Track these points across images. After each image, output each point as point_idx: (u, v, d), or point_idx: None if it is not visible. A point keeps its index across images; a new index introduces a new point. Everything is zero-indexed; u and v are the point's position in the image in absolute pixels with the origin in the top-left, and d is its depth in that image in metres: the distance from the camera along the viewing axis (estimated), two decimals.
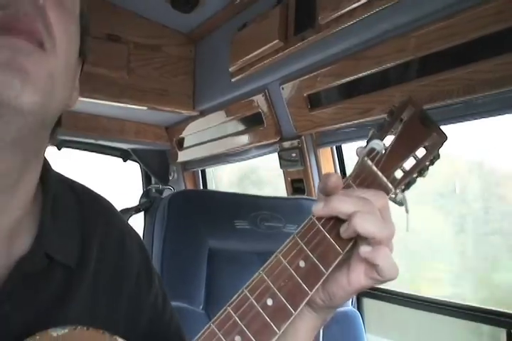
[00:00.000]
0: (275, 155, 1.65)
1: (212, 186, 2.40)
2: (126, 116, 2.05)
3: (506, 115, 1.01)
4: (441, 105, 1.04)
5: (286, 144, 1.57)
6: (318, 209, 0.48)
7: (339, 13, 1.10)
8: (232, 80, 1.57)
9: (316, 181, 1.54)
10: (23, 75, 0.38)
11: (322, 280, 0.48)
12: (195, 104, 1.86)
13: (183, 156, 2.23)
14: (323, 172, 1.55)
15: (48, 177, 0.50)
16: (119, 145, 2.27)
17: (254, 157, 1.84)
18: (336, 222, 0.49)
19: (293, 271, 0.46)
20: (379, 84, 1.19)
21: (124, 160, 2.37)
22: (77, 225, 0.52)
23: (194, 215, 1.32)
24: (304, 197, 1.55)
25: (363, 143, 0.55)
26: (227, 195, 1.47)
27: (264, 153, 1.76)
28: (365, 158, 0.52)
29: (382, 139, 0.53)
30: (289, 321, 0.45)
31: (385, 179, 0.53)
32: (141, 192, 2.26)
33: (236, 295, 0.45)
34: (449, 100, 1.01)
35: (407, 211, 0.55)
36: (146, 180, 2.45)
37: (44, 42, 0.39)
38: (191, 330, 0.44)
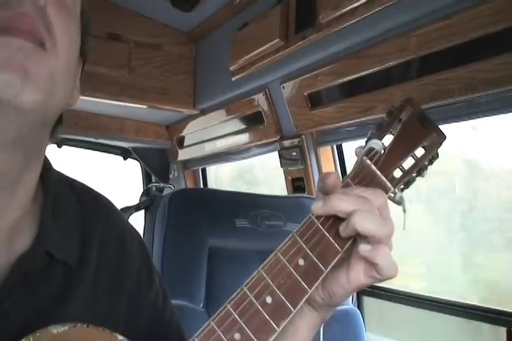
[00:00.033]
0: (270, 155, 1.66)
1: (212, 184, 2.40)
2: (126, 115, 2.06)
3: (509, 114, 1.01)
4: (443, 104, 1.04)
5: (287, 143, 1.57)
6: (317, 207, 0.49)
7: (340, 12, 1.10)
8: (233, 79, 1.57)
9: (316, 180, 1.54)
10: (23, 74, 0.38)
11: (321, 278, 0.48)
12: (196, 103, 1.87)
13: (183, 155, 2.23)
14: (324, 171, 1.55)
15: (49, 176, 0.51)
16: (120, 144, 2.27)
17: (254, 155, 1.84)
18: (334, 220, 0.49)
19: (292, 269, 0.47)
20: (380, 83, 1.19)
21: (125, 159, 2.37)
22: (77, 225, 0.52)
23: (194, 214, 1.33)
24: (305, 195, 1.55)
25: (363, 141, 0.55)
26: (227, 194, 1.47)
27: (265, 152, 1.76)
28: (364, 158, 0.53)
29: (381, 139, 0.53)
30: (289, 318, 0.45)
31: (383, 178, 0.53)
32: (141, 190, 2.27)
33: (235, 293, 0.45)
34: (451, 99, 1.01)
35: (404, 210, 0.55)
36: (147, 178, 2.46)
37: (45, 42, 0.40)
38: (191, 328, 0.44)
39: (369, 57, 1.16)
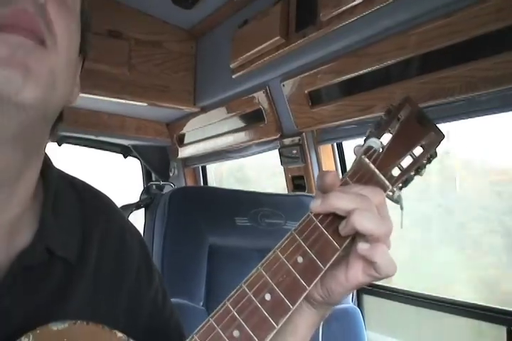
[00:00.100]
0: (263, 154, 1.66)
1: (213, 183, 2.40)
2: (126, 112, 2.06)
3: (510, 112, 1.01)
4: (443, 102, 1.04)
5: (287, 141, 1.57)
6: (316, 205, 0.49)
7: (340, 10, 1.10)
8: (233, 77, 1.57)
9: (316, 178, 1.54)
10: (24, 71, 0.38)
11: (320, 275, 0.48)
12: (196, 101, 1.86)
13: (183, 152, 2.23)
14: (324, 169, 1.55)
15: (49, 173, 0.51)
16: (120, 142, 2.28)
17: (254, 154, 1.85)
18: (333, 218, 0.49)
19: (291, 267, 0.47)
20: (380, 81, 1.19)
21: (125, 157, 2.37)
22: (78, 222, 0.53)
23: (194, 212, 1.33)
24: (305, 193, 1.55)
25: (363, 140, 0.55)
26: (227, 192, 1.47)
27: (265, 150, 1.76)
28: (363, 156, 0.53)
29: (379, 138, 0.54)
30: (287, 316, 0.46)
31: (382, 177, 0.53)
32: (141, 188, 2.27)
33: (234, 290, 0.45)
34: (451, 97, 1.01)
35: (401, 208, 0.56)
36: (147, 176, 2.46)
37: (45, 40, 0.40)
38: (191, 327, 0.44)
39: (369, 55, 1.16)
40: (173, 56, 1.83)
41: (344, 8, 1.09)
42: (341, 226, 0.49)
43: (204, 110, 1.91)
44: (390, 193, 0.54)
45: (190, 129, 2.11)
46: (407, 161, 0.55)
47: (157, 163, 2.36)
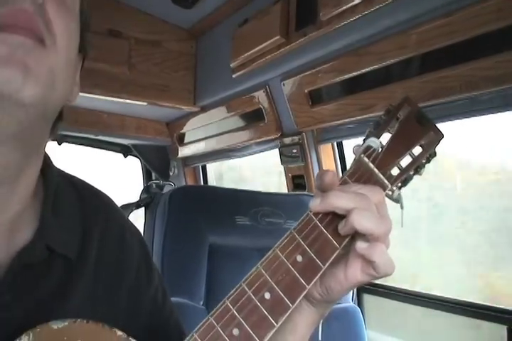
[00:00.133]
0: (261, 154, 1.66)
1: (213, 182, 2.40)
2: (126, 112, 2.05)
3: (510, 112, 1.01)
4: (444, 102, 1.04)
5: (287, 140, 1.57)
6: (315, 204, 0.49)
7: (341, 9, 1.10)
8: (233, 76, 1.57)
9: None
10: (24, 70, 0.38)
11: (319, 274, 0.48)
12: (196, 100, 1.86)
13: (183, 152, 2.23)
14: (324, 168, 1.55)
15: (49, 172, 0.51)
16: (120, 141, 2.27)
17: (255, 153, 1.85)
18: (332, 217, 0.49)
19: (290, 266, 0.47)
20: (381, 80, 1.19)
21: (125, 156, 2.37)
22: (77, 221, 0.53)
23: (195, 211, 1.33)
24: (305, 193, 1.55)
25: (362, 139, 0.55)
26: (227, 191, 1.47)
27: (265, 149, 1.76)
28: (362, 156, 0.53)
29: (378, 137, 0.54)
30: (287, 314, 0.46)
31: (381, 176, 0.53)
32: (141, 187, 2.27)
33: (234, 289, 0.45)
34: (452, 97, 1.01)
35: (402, 207, 0.56)
36: (147, 175, 2.46)
37: (44, 39, 0.40)
38: (191, 326, 0.44)
39: (369, 54, 1.16)
40: (173, 55, 1.83)
41: (344, 7, 1.09)
42: (340, 225, 0.49)
43: (204, 109, 1.91)
44: (390, 192, 0.55)
45: (191, 128, 2.11)
46: (406, 161, 0.55)
47: (157, 162, 2.36)
